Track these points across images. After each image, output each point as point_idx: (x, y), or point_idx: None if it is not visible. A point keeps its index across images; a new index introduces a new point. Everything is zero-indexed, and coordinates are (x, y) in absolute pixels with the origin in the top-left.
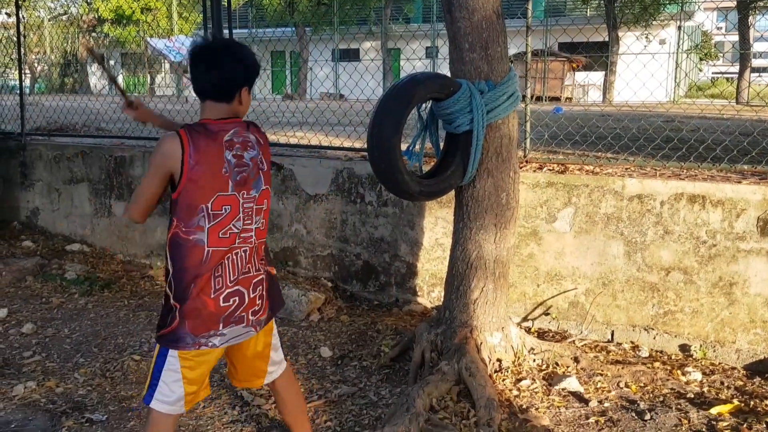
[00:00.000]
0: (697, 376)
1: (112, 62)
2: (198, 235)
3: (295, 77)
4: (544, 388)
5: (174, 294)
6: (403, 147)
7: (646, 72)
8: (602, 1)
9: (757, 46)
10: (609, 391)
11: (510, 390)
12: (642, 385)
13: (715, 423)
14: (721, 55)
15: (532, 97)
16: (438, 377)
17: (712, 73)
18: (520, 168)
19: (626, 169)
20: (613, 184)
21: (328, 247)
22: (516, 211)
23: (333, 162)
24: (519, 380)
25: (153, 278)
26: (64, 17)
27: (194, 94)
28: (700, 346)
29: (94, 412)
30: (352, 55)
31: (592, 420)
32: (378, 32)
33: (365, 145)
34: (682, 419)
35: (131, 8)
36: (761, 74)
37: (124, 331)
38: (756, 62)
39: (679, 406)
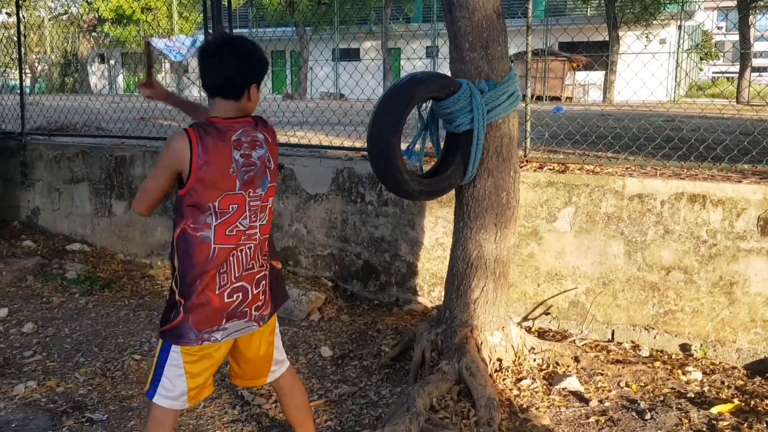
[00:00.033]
0: (698, 375)
1: (112, 62)
2: (205, 232)
3: (295, 77)
4: (545, 387)
5: (179, 289)
6: (404, 146)
7: (647, 71)
8: (602, 1)
9: (757, 46)
10: (609, 391)
11: (510, 389)
12: (642, 384)
13: (715, 422)
14: (722, 54)
15: (532, 96)
16: (438, 377)
17: (713, 72)
18: (521, 167)
19: (627, 168)
20: (614, 183)
21: (328, 247)
22: (516, 210)
23: (333, 161)
24: (519, 380)
25: (153, 278)
26: (65, 17)
27: (194, 94)
28: (701, 345)
29: (94, 412)
30: (352, 55)
31: (592, 419)
32: (378, 32)
33: (365, 145)
34: (683, 419)
35: (131, 8)
36: (761, 74)
37: (125, 331)
38: (756, 62)
39: (679, 406)
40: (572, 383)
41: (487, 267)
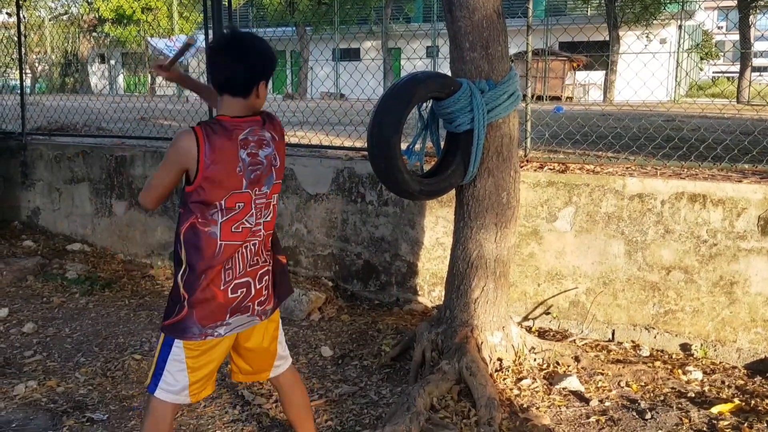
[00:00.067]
0: (698, 375)
1: (112, 62)
2: (212, 228)
3: (295, 77)
4: (545, 387)
5: (184, 284)
6: (404, 146)
7: (647, 71)
8: (603, 1)
9: (757, 46)
10: (610, 391)
11: (511, 389)
12: (643, 384)
13: (716, 422)
14: (722, 54)
15: (532, 96)
16: (439, 376)
17: (713, 72)
18: (521, 167)
19: (627, 168)
20: (614, 183)
21: (328, 247)
22: (517, 210)
23: (333, 161)
24: (520, 379)
25: (154, 278)
26: (65, 17)
27: (195, 95)
28: (701, 345)
29: (95, 412)
30: (352, 55)
31: (592, 419)
32: (378, 32)
33: (366, 145)
34: (683, 418)
35: (132, 8)
36: (762, 73)
37: (125, 331)
38: (757, 61)
39: (679, 406)
40: (573, 383)
41: (487, 267)
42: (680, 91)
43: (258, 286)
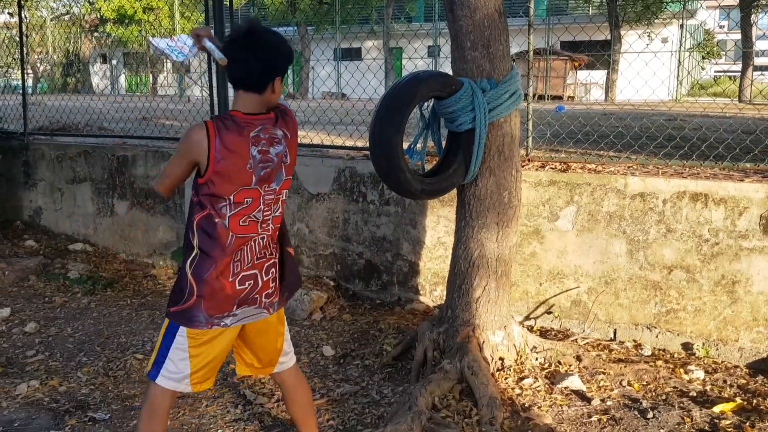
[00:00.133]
0: (700, 374)
1: (114, 62)
2: (221, 220)
3: (297, 76)
4: (547, 386)
5: (193, 271)
6: (405, 145)
7: (649, 70)
8: (604, 0)
9: (759, 45)
10: (611, 390)
11: (512, 388)
12: (645, 383)
13: (717, 421)
14: (724, 53)
15: (534, 95)
16: (440, 376)
17: (715, 71)
18: (522, 166)
19: (629, 167)
20: (616, 182)
21: (330, 246)
22: (518, 209)
23: (335, 161)
24: (521, 379)
25: (156, 277)
26: (67, 17)
27: (196, 94)
28: (703, 344)
29: (97, 411)
30: (354, 54)
31: (594, 418)
32: (380, 31)
33: (367, 144)
34: (685, 417)
35: (133, 8)
36: (763, 72)
37: (127, 330)
38: (758, 60)
39: (681, 405)
40: (574, 382)
41: (489, 266)
42: (682, 90)
43: (265, 279)
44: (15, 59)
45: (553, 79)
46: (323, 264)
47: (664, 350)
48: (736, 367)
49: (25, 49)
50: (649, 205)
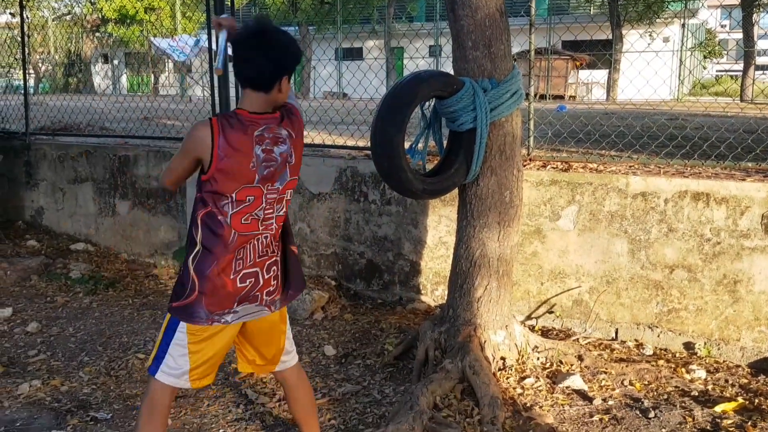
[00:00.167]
0: (702, 374)
1: (115, 62)
2: (223, 218)
3: (298, 76)
4: (548, 386)
5: (195, 267)
6: (407, 145)
7: (650, 70)
8: None
9: (761, 44)
10: (613, 389)
11: (514, 388)
12: (646, 383)
13: (719, 421)
14: (725, 52)
15: (535, 95)
16: (442, 375)
17: (716, 70)
18: (524, 166)
19: (630, 167)
20: (617, 182)
21: (331, 246)
22: (519, 209)
23: (336, 161)
24: (523, 378)
25: (157, 277)
26: (68, 17)
27: (198, 94)
28: (705, 343)
29: (98, 411)
30: (355, 54)
31: (596, 418)
32: (381, 31)
33: (369, 144)
34: (687, 417)
35: (135, 8)
36: (765, 71)
37: (129, 330)
38: (760, 60)
39: (683, 404)
40: (576, 382)
41: (490, 265)
42: (683, 90)
43: (266, 276)
44: (17, 59)
45: (555, 78)
46: (325, 264)
47: (665, 350)
48: (737, 366)
49: (26, 49)
50: (650, 204)
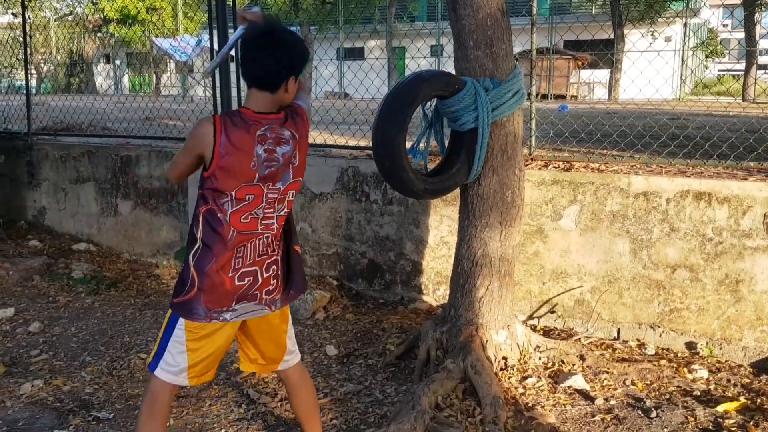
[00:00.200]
0: (704, 373)
1: (117, 62)
2: (223, 215)
3: (300, 76)
4: (550, 386)
5: (195, 263)
6: (408, 145)
7: (652, 69)
8: None
9: (763, 43)
10: (615, 389)
11: (516, 388)
12: (648, 382)
13: (721, 420)
14: (727, 52)
15: (537, 94)
16: (443, 375)
17: (718, 70)
18: (526, 166)
19: (632, 166)
20: (619, 181)
21: (333, 246)
22: (521, 208)
23: (338, 161)
24: (525, 378)
25: (159, 277)
26: (70, 17)
27: (200, 94)
28: (707, 343)
29: (101, 411)
30: (357, 54)
31: (598, 418)
32: (383, 31)
33: (370, 144)
34: (689, 417)
35: (136, 8)
36: (767, 71)
37: (131, 330)
38: (762, 59)
39: (685, 404)
40: (578, 381)
41: (492, 265)
42: (685, 89)
43: (265, 275)
44: (19, 59)
45: (556, 78)
46: (326, 263)
47: (667, 349)
48: (739, 366)
49: (28, 49)
50: (652, 204)
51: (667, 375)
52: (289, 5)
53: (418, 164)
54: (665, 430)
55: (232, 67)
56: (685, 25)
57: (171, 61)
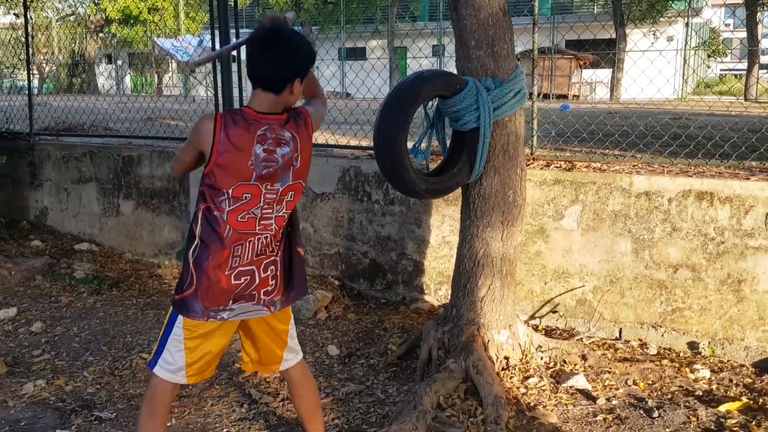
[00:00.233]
0: (706, 373)
1: (119, 62)
2: (220, 213)
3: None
4: (552, 385)
5: (194, 260)
6: (410, 145)
7: (654, 69)
8: None
9: (765, 43)
10: (617, 389)
11: (517, 388)
12: (650, 382)
13: (723, 420)
14: (729, 51)
15: (539, 94)
16: (445, 375)
17: (720, 69)
18: (527, 165)
19: (634, 166)
20: (621, 181)
21: (335, 246)
22: (523, 208)
23: (340, 160)
24: (526, 378)
25: (161, 277)
26: (72, 18)
27: (201, 94)
28: (709, 343)
29: (103, 410)
30: (358, 54)
31: (599, 418)
32: (384, 30)
33: (372, 144)
34: (691, 417)
35: (138, 8)
36: None
37: (133, 330)
38: (764, 59)
39: (687, 404)
40: (579, 381)
41: (493, 265)
42: (687, 89)
43: (263, 275)
44: (21, 60)
45: (558, 77)
46: (328, 263)
47: (669, 349)
48: (742, 366)
49: (30, 49)
50: (654, 203)
51: (669, 375)
52: (290, 5)
53: (419, 164)
54: (667, 430)
55: (234, 67)
56: (687, 24)
57: (173, 61)
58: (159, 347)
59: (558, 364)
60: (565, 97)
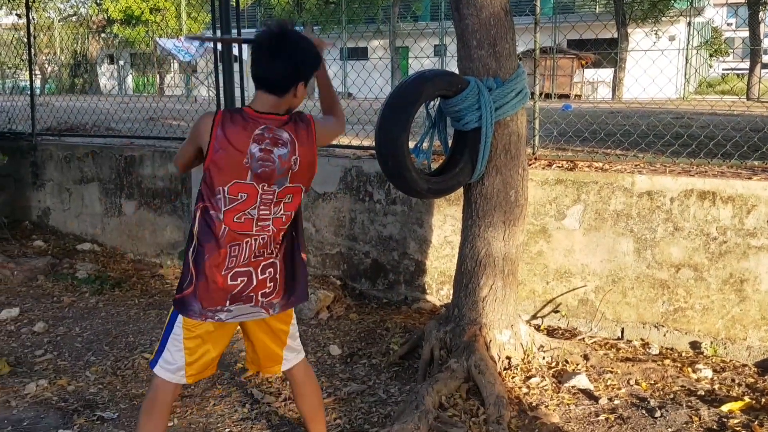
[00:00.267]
0: (708, 373)
1: (121, 62)
2: (216, 213)
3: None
4: (554, 385)
5: (193, 259)
6: (412, 144)
7: (656, 68)
8: None
9: (767, 42)
10: (619, 389)
11: (519, 387)
12: (652, 382)
13: (726, 420)
14: (732, 51)
15: (540, 94)
16: (447, 375)
17: (723, 69)
18: (529, 165)
19: (636, 165)
20: (623, 180)
21: (336, 246)
22: (525, 208)
23: (341, 160)
24: (528, 378)
25: (163, 277)
26: (74, 18)
27: (203, 94)
28: (711, 343)
29: (105, 410)
30: (360, 54)
31: (602, 417)
32: (386, 30)
33: (374, 144)
34: (693, 416)
35: (140, 9)
36: None
37: (135, 330)
38: (767, 58)
39: (689, 404)
40: (582, 381)
41: (495, 265)
42: (689, 88)
43: (261, 277)
44: (23, 60)
45: (560, 77)
46: (330, 263)
47: (671, 349)
48: (744, 365)
49: (32, 50)
50: (656, 203)
51: (671, 375)
52: (292, 5)
53: (421, 164)
54: (669, 429)
55: (236, 67)
56: (689, 23)
57: (175, 61)
58: (160, 347)
59: (560, 364)
60: (567, 96)
